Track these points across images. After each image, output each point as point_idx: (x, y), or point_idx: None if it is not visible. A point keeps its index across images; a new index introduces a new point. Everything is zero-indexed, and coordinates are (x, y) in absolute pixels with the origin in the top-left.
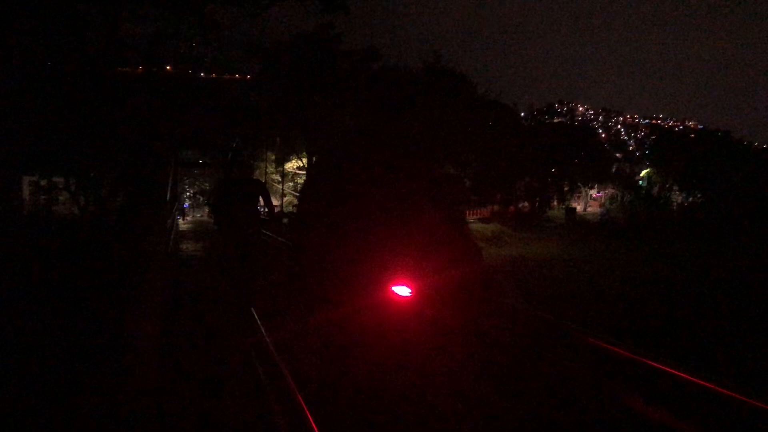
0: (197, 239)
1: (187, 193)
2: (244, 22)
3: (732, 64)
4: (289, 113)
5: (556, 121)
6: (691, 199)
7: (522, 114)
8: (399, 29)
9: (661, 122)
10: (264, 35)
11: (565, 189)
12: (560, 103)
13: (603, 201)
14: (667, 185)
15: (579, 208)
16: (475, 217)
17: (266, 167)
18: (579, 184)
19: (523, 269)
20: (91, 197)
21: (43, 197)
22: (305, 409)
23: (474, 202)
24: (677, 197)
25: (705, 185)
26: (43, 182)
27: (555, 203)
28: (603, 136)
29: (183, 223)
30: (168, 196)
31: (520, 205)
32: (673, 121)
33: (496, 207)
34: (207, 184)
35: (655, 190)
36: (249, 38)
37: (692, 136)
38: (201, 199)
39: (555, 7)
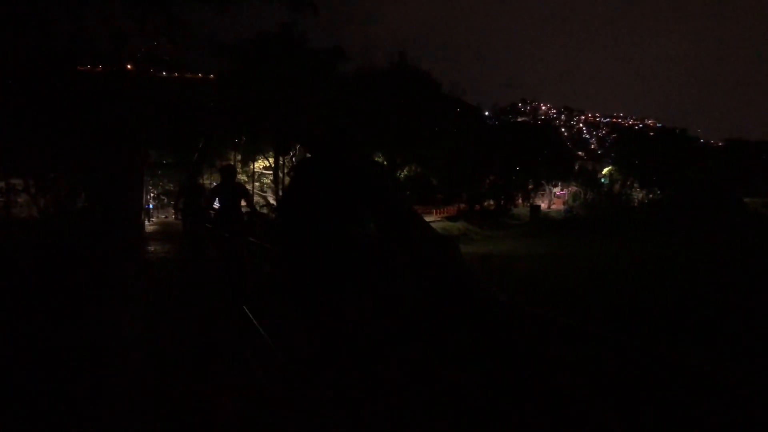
0: (164, 241)
1: (151, 194)
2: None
3: (688, 63)
4: (255, 113)
5: (519, 120)
6: (651, 195)
7: (486, 113)
8: (366, 27)
9: (622, 121)
10: (229, 35)
11: (530, 187)
12: (523, 102)
13: (566, 198)
14: (628, 182)
15: (543, 205)
16: (441, 215)
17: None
18: (543, 182)
19: (490, 266)
20: (51, 199)
21: (1, 199)
22: None
23: (440, 201)
24: (638, 194)
25: (663, 182)
26: (0, 184)
27: (520, 201)
28: (565, 134)
29: (149, 225)
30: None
31: (485, 204)
32: (633, 120)
33: (462, 205)
34: (171, 185)
35: (617, 187)
36: (214, 38)
37: (651, 134)
38: (165, 200)
39: (519, 8)
